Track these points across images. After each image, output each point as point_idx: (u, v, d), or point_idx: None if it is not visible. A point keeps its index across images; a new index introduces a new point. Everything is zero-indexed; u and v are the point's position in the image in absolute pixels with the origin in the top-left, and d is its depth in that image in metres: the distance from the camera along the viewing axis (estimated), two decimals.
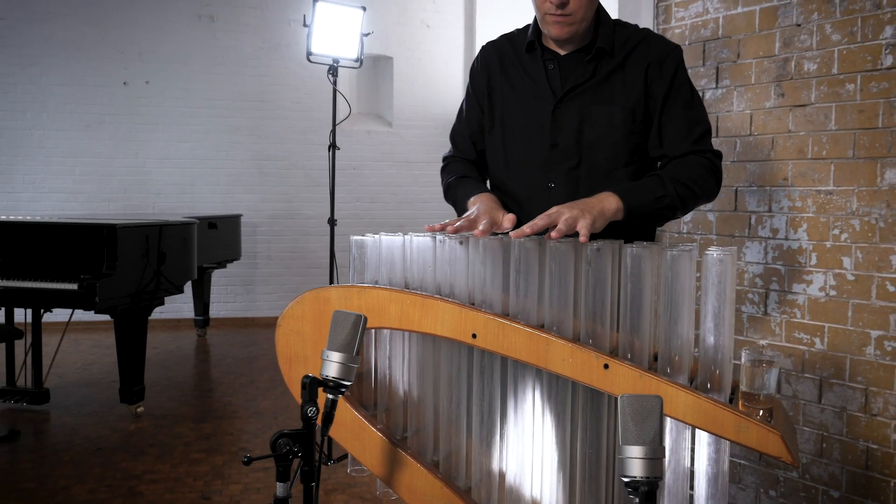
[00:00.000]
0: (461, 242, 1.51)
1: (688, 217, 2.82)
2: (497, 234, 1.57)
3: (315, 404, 1.24)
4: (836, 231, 2.40)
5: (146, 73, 6.96)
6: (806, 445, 2.51)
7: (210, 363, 5.71)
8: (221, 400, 4.61)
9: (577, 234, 1.46)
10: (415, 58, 7.51)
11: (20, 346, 4.83)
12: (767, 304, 2.59)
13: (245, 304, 7.25)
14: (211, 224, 5.61)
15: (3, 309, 4.42)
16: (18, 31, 6.67)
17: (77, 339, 6.17)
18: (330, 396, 1.28)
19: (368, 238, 1.61)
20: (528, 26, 1.83)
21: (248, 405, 4.47)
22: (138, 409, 4.19)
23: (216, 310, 7.03)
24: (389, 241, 1.59)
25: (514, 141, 1.82)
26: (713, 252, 1.35)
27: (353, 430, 1.57)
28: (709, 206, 2.75)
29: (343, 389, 1.29)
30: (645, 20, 2.86)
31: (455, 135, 1.99)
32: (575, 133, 1.75)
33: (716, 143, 2.73)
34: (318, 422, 1.28)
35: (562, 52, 1.77)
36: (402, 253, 1.58)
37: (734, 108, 2.66)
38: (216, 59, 7.06)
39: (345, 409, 1.57)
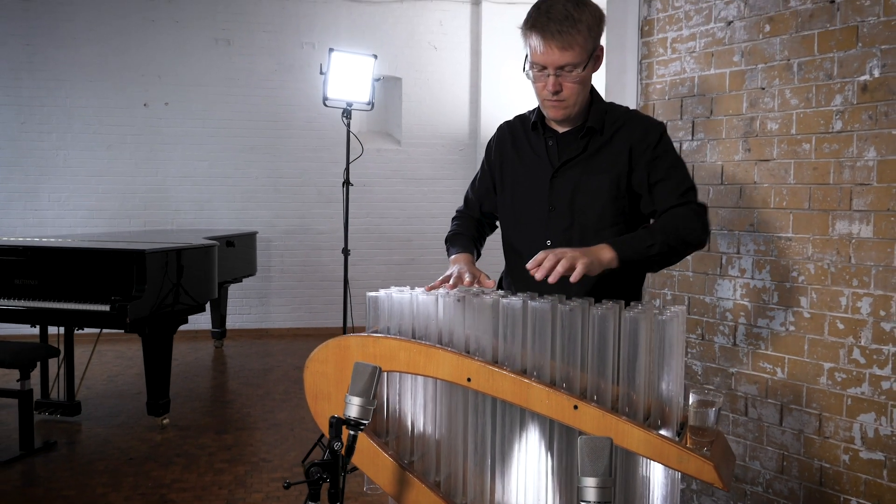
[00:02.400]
0: (459, 300, 1.83)
1: None
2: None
3: (340, 440, 1.55)
4: (795, 273, 2.70)
5: (166, 95, 7.28)
6: (769, 463, 2.81)
7: (228, 375, 6.04)
8: (241, 411, 4.93)
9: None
10: (422, 78, 7.81)
11: (52, 359, 5.16)
12: (736, 336, 2.89)
13: (260, 316, 7.57)
14: (229, 242, 5.93)
15: (38, 326, 4.75)
16: (45, 55, 7.01)
17: (101, 351, 6.49)
18: (351, 433, 1.59)
19: (382, 294, 1.92)
20: (537, 108, 2.14)
21: (266, 416, 4.79)
22: (164, 421, 4.51)
23: (232, 321, 7.34)
24: (399, 297, 1.90)
25: (520, 205, 2.16)
26: (665, 313, 1.67)
27: (368, 455, 1.88)
28: None
29: (362, 427, 1.60)
30: (630, 76, 3.17)
31: (467, 194, 2.37)
32: (568, 199, 2.06)
33: None
34: (343, 452, 1.59)
35: (560, 131, 2.09)
36: (409, 307, 1.89)
37: (707, 159, 2.96)
38: (232, 81, 7.38)
39: (362, 438, 1.88)
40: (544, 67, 1.94)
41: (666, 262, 1.98)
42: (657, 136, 2.02)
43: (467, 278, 1.95)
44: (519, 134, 2.19)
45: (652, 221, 2.07)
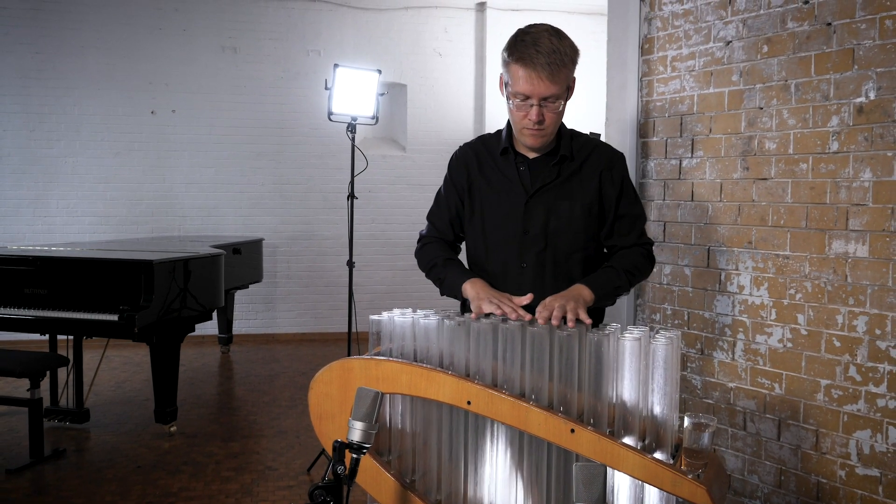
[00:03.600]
0: (459, 324, 1.87)
1: (667, 269, 3.16)
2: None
3: (343, 463, 1.60)
4: (792, 291, 2.74)
5: (173, 103, 7.34)
6: (767, 478, 2.85)
7: (234, 381, 6.09)
8: (247, 419, 4.98)
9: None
10: (427, 85, 7.86)
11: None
12: (735, 351, 2.93)
13: (266, 322, 7.63)
14: (235, 250, 5.98)
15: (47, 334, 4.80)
16: (53, 64, 7.07)
17: (108, 357, 6.54)
18: (354, 456, 1.64)
19: (384, 317, 1.97)
20: (499, 132, 2.20)
21: (272, 424, 4.84)
22: (171, 429, 4.56)
23: (238, 326, 7.39)
24: (402, 321, 1.95)
25: (493, 228, 2.20)
26: (660, 338, 1.71)
27: (371, 475, 1.93)
28: (685, 261, 3.09)
29: (364, 451, 1.65)
30: (630, 93, 3.21)
31: (434, 217, 2.36)
32: (543, 223, 2.14)
33: (691, 206, 3.08)
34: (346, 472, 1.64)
35: (531, 156, 2.15)
36: (411, 329, 1.94)
37: (707, 177, 3.00)
38: (239, 89, 7.43)
39: (364, 458, 1.92)
40: (528, 97, 2.00)
41: (618, 297, 2.20)
42: (621, 171, 2.17)
43: (510, 304, 1.98)
44: (484, 158, 2.23)
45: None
